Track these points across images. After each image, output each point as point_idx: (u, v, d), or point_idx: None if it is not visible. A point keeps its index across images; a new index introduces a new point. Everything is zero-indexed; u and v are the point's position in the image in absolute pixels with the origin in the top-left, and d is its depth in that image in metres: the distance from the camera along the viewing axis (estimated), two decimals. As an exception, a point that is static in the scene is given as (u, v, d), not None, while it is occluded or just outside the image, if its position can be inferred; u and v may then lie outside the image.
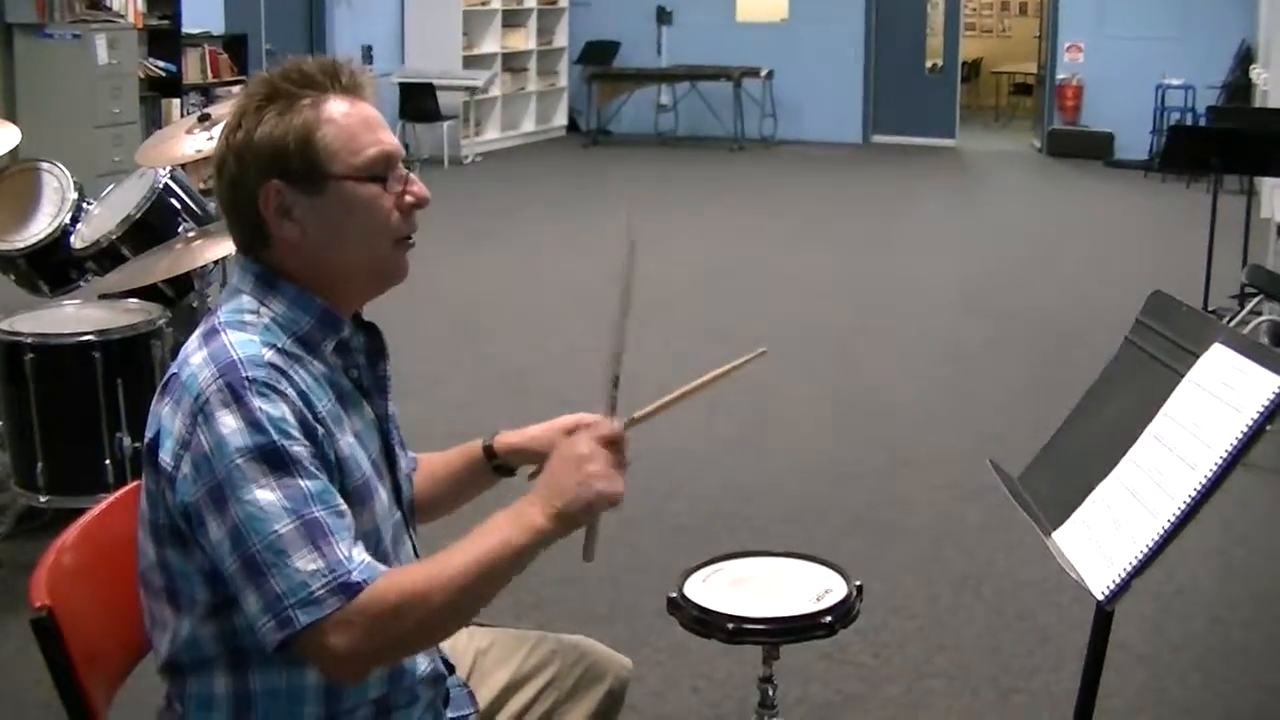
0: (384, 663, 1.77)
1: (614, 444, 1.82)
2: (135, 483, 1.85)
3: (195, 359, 1.71)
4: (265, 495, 1.63)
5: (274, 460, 1.64)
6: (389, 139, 1.82)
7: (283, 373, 1.70)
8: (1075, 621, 3.71)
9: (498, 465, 2.15)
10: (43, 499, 4.16)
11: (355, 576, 1.63)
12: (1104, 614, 1.95)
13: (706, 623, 2.10)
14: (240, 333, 1.73)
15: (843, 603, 2.09)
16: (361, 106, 1.81)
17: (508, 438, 2.14)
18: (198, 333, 1.77)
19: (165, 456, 1.70)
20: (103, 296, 4.49)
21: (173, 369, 1.75)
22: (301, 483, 1.65)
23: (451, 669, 2.02)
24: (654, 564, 4.11)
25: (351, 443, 1.78)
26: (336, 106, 1.78)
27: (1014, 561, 4.22)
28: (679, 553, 4.06)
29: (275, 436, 1.65)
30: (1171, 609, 3.93)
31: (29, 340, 4.10)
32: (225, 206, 1.83)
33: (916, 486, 4.97)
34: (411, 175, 1.84)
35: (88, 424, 4.11)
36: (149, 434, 1.74)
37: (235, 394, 1.66)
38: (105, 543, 1.94)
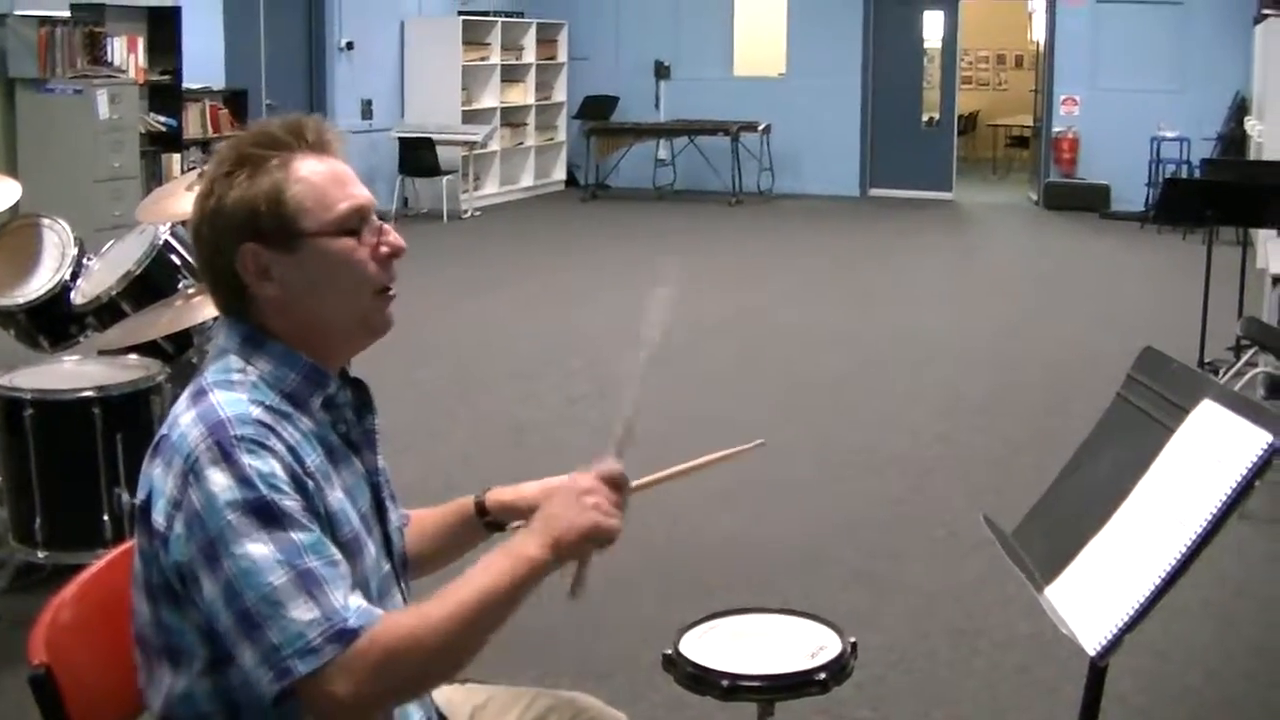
0: (385, 707, 1.77)
1: (616, 483, 1.83)
2: (133, 540, 1.86)
3: (184, 420, 1.73)
4: (258, 549, 1.64)
5: (265, 514, 1.65)
6: (360, 192, 1.84)
7: (271, 429, 1.72)
8: (1073, 675, 3.69)
9: (489, 522, 2.16)
10: (41, 554, 4.16)
11: (352, 623, 1.64)
12: (1098, 668, 1.95)
13: (701, 680, 2.11)
14: (228, 392, 1.75)
15: (837, 659, 2.10)
16: (331, 162, 1.83)
17: (500, 494, 2.15)
18: (186, 394, 1.79)
19: (158, 517, 1.71)
20: (102, 352, 4.51)
21: (163, 430, 1.76)
22: (293, 535, 1.66)
23: (446, 724, 2.02)
24: (652, 619, 4.11)
25: (341, 498, 1.79)
26: (305, 164, 1.80)
27: (1012, 614, 4.21)
28: (676, 607, 4.06)
29: (265, 491, 1.66)
30: (1169, 661, 3.92)
31: (29, 396, 4.11)
32: (205, 272, 1.85)
33: (914, 540, 4.97)
34: (386, 226, 1.86)
35: (87, 480, 4.11)
36: (140, 495, 1.76)
37: (224, 452, 1.67)
38: (103, 599, 1.94)
